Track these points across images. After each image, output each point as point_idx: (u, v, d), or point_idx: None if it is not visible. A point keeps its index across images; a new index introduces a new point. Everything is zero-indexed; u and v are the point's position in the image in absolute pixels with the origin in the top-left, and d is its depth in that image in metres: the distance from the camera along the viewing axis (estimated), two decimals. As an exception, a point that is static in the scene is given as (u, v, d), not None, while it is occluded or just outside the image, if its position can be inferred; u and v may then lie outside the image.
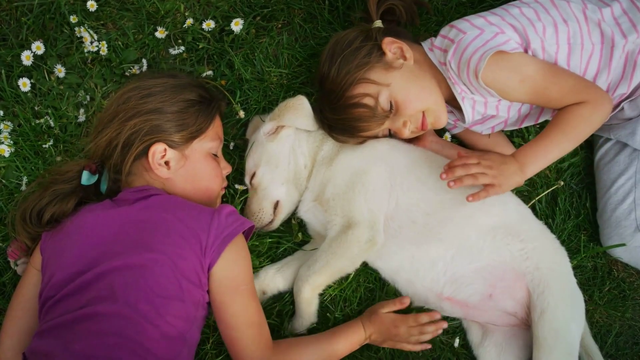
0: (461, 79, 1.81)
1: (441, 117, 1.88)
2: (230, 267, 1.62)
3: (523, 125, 2.01)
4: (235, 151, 2.08)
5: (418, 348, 1.89)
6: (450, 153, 2.01)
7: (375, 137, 1.94)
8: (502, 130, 2.07)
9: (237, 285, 1.63)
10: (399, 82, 1.83)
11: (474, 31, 1.78)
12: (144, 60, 2.09)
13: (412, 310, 1.93)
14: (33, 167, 1.99)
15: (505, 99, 1.82)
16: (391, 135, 1.96)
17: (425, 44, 1.93)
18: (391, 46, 1.85)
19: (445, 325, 1.89)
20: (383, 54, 1.84)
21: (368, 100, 1.82)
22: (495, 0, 2.16)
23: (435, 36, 1.92)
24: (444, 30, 1.89)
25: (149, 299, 1.48)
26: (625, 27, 1.81)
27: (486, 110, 1.90)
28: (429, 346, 1.90)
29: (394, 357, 1.93)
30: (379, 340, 1.86)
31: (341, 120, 1.86)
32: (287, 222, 2.02)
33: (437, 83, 1.88)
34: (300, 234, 1.99)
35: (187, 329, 1.55)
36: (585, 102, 1.71)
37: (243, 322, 1.63)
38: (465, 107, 1.89)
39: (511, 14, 1.83)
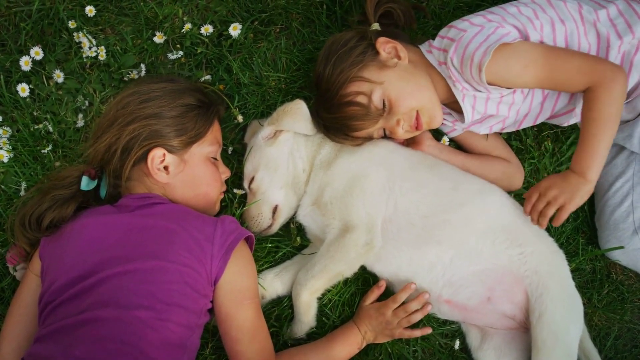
0: (464, 75, 1.81)
1: (436, 116, 1.88)
2: (236, 280, 1.63)
3: (521, 127, 2.02)
4: (234, 155, 2.08)
5: (417, 333, 1.88)
6: (448, 157, 2.01)
7: (370, 137, 1.95)
8: (500, 134, 2.08)
9: (243, 299, 1.64)
10: (392, 81, 1.84)
11: (474, 29, 1.79)
12: (143, 65, 2.09)
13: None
14: (32, 173, 1.99)
15: (511, 87, 1.81)
16: (387, 136, 1.96)
17: (423, 47, 1.94)
18: (385, 45, 1.86)
19: (427, 296, 1.85)
20: (377, 53, 1.85)
21: (361, 99, 1.82)
22: (492, 4, 2.16)
23: (434, 39, 1.92)
24: (442, 31, 1.89)
25: (151, 305, 1.48)
26: (620, 27, 1.82)
27: (486, 109, 1.90)
28: (429, 329, 1.89)
29: (393, 358, 1.93)
30: (374, 336, 1.86)
31: (335, 119, 1.87)
32: (285, 227, 2.02)
33: (434, 83, 1.89)
34: (299, 238, 1.99)
35: (188, 336, 1.55)
36: (597, 84, 1.69)
37: (247, 335, 1.63)
38: (465, 106, 1.89)
39: (510, 13, 1.84)
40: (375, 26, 1.97)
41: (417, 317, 1.86)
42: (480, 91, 1.83)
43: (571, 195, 1.72)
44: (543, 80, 1.76)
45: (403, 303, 1.86)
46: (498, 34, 1.75)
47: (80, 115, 2.05)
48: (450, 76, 1.84)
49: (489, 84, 1.76)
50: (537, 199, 1.77)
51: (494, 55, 1.69)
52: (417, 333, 1.88)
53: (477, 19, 1.84)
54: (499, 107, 1.90)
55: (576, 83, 1.73)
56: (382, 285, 1.91)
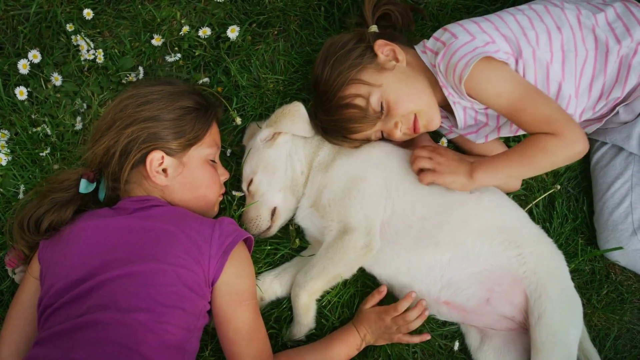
0: (448, 82, 1.82)
1: (433, 119, 1.88)
2: (234, 281, 1.63)
3: (519, 133, 2.02)
4: (232, 158, 2.08)
5: (416, 340, 1.88)
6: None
7: (368, 139, 1.95)
8: (498, 137, 2.08)
9: (241, 300, 1.64)
10: (390, 83, 1.84)
11: (465, 36, 1.79)
12: (141, 68, 2.09)
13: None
14: (30, 176, 1.99)
15: (484, 105, 1.83)
16: (384, 138, 1.96)
17: (418, 47, 1.94)
18: (383, 48, 1.86)
19: (425, 302, 1.85)
20: (375, 55, 1.86)
21: (359, 101, 1.83)
22: (490, 6, 2.17)
23: (428, 39, 1.93)
24: (437, 33, 1.89)
25: (150, 307, 1.48)
26: (619, 31, 1.82)
27: (477, 114, 1.91)
28: (428, 336, 1.89)
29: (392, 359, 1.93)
30: (374, 339, 1.86)
31: (333, 121, 1.87)
32: (284, 228, 2.02)
33: (431, 86, 1.89)
34: (297, 240, 1.99)
35: (187, 338, 1.55)
36: (556, 134, 1.70)
37: (245, 337, 1.63)
38: (457, 110, 1.89)
39: (504, 22, 1.84)
40: (374, 28, 1.97)
41: (417, 324, 1.85)
42: (464, 100, 1.83)
43: (447, 174, 1.80)
44: (509, 112, 1.76)
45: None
46: (486, 49, 1.74)
47: (79, 118, 2.05)
48: (439, 80, 1.85)
49: (468, 95, 1.78)
50: (427, 153, 1.84)
51: (475, 71, 1.70)
52: (416, 339, 1.88)
53: (471, 25, 1.83)
54: (487, 114, 1.91)
55: (536, 127, 1.74)
56: (383, 291, 1.91)
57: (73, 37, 2.07)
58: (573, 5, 1.87)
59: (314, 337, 1.90)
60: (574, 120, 1.74)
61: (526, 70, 1.80)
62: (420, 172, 1.85)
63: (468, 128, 1.98)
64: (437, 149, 1.87)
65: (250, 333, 1.64)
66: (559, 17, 1.84)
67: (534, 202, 2.09)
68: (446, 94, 1.85)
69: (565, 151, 1.71)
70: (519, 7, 1.91)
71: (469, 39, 1.78)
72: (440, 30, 1.89)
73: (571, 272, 1.91)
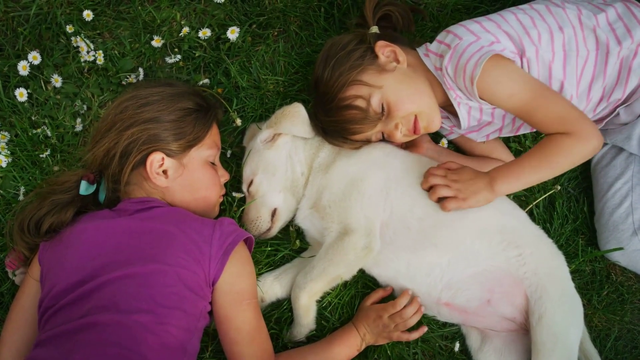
0: (457, 84, 1.81)
1: (434, 120, 1.88)
2: (234, 281, 1.63)
3: (519, 133, 2.02)
4: (233, 159, 2.08)
5: (415, 335, 1.88)
6: (447, 159, 2.01)
7: (369, 140, 1.94)
8: (499, 137, 2.08)
9: (242, 300, 1.64)
10: (391, 85, 1.83)
11: (469, 37, 1.79)
12: (141, 69, 2.09)
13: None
14: (30, 177, 1.99)
15: (496, 106, 1.83)
16: (385, 139, 1.96)
17: (420, 50, 1.94)
18: (384, 49, 1.86)
19: (418, 299, 1.86)
20: (376, 56, 1.85)
21: (360, 102, 1.82)
22: (490, 6, 2.17)
23: (431, 42, 1.92)
24: (440, 36, 1.89)
25: (151, 308, 1.48)
26: (620, 32, 1.82)
27: (482, 116, 1.91)
28: (425, 328, 1.90)
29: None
30: (373, 339, 1.86)
31: (334, 122, 1.86)
32: (284, 230, 2.02)
33: (432, 87, 1.89)
34: (298, 241, 1.99)
35: (188, 339, 1.55)
36: (570, 133, 1.69)
37: (246, 336, 1.63)
38: (461, 112, 1.89)
39: (507, 21, 1.84)
40: (374, 29, 1.96)
41: (414, 320, 1.86)
42: (472, 100, 1.83)
43: (470, 196, 1.76)
44: (522, 112, 1.76)
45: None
46: (493, 49, 1.74)
47: (79, 120, 2.05)
48: (445, 82, 1.84)
49: (480, 97, 1.77)
50: (440, 175, 1.80)
51: (485, 71, 1.70)
52: (415, 335, 1.88)
53: (474, 25, 1.83)
54: (494, 114, 1.90)
55: (550, 126, 1.73)
56: (389, 290, 1.92)
57: (73, 38, 2.06)
58: (574, 6, 1.87)
59: (314, 338, 1.90)
60: (586, 116, 1.74)
61: (530, 69, 1.80)
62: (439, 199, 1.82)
63: (470, 127, 1.98)
64: (449, 169, 1.83)
65: (252, 333, 1.64)
66: (560, 17, 1.84)
67: (534, 203, 2.09)
68: (453, 96, 1.85)
69: (582, 149, 1.71)
70: (520, 6, 1.91)
71: (473, 39, 1.78)
72: (443, 33, 1.89)
73: (572, 272, 1.91)
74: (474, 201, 1.76)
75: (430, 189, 1.82)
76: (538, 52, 1.79)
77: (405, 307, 1.85)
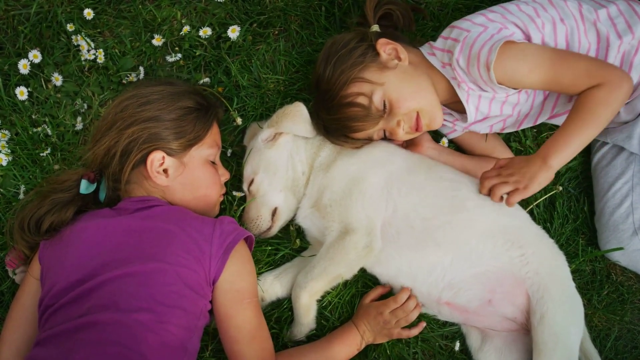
0: (471, 75, 1.80)
1: (436, 117, 1.88)
2: (235, 279, 1.63)
3: (521, 127, 2.02)
4: (233, 158, 2.08)
5: (415, 332, 1.89)
6: (447, 158, 2.02)
7: (370, 139, 1.94)
8: (499, 134, 2.08)
9: (242, 298, 1.64)
10: (393, 82, 1.84)
11: (477, 28, 1.79)
12: (141, 68, 2.09)
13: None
14: (31, 176, 1.99)
15: (518, 87, 1.82)
16: (386, 138, 1.96)
17: (424, 49, 1.94)
18: (385, 47, 1.86)
19: (414, 295, 1.88)
20: (378, 54, 1.85)
21: (362, 100, 1.82)
22: (491, 6, 2.16)
23: (434, 40, 1.92)
24: (444, 32, 1.90)
25: (150, 307, 1.48)
26: (620, 27, 1.82)
27: (490, 110, 1.90)
28: (424, 324, 1.91)
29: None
30: (373, 337, 1.86)
31: (336, 120, 1.86)
32: (285, 229, 2.02)
33: (434, 84, 1.89)
34: (298, 241, 1.98)
35: (188, 338, 1.55)
36: (601, 84, 1.69)
37: (246, 335, 1.63)
38: (469, 107, 1.89)
39: (510, 12, 1.84)
40: (375, 28, 1.97)
41: (415, 315, 1.87)
42: (486, 91, 1.83)
43: (529, 181, 1.74)
44: (549, 83, 1.76)
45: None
46: (502, 34, 1.75)
47: (79, 118, 2.05)
48: (455, 77, 1.84)
49: (499, 83, 1.76)
50: (494, 175, 1.80)
51: (500, 55, 1.70)
52: (415, 332, 1.89)
53: (478, 18, 1.84)
54: (502, 108, 1.90)
55: (581, 84, 1.72)
56: (388, 287, 1.93)
57: (73, 37, 2.06)
58: (575, 0, 1.88)
59: (314, 337, 1.90)
60: (610, 63, 1.75)
61: None
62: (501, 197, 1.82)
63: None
64: (498, 164, 1.83)
65: (252, 331, 1.64)
66: (562, 9, 1.84)
67: (535, 203, 2.09)
68: (465, 88, 1.85)
69: (618, 95, 1.70)
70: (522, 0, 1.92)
71: (481, 29, 1.78)
72: (447, 29, 1.89)
73: (572, 272, 1.91)
74: (536, 185, 1.75)
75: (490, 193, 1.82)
76: (544, 39, 1.80)
77: (405, 301, 1.86)
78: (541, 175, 1.74)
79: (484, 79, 1.77)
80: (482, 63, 1.73)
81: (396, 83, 1.84)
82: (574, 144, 1.73)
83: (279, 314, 1.92)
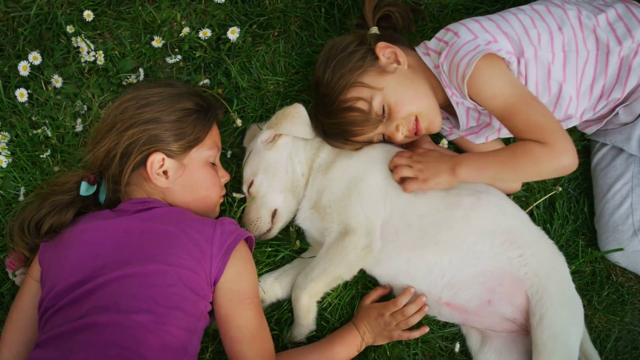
0: (452, 82, 1.81)
1: (435, 121, 1.88)
2: (236, 280, 1.63)
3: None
4: (233, 159, 2.08)
5: (416, 334, 1.89)
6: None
7: (370, 141, 1.95)
8: (499, 137, 2.08)
9: (243, 299, 1.64)
10: (392, 86, 1.83)
11: (468, 35, 1.79)
12: (141, 70, 2.09)
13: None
14: (31, 178, 1.99)
15: (482, 106, 1.81)
16: (385, 140, 1.96)
17: (420, 48, 1.94)
18: (385, 51, 1.86)
19: (424, 298, 1.86)
20: (377, 58, 1.85)
21: (361, 104, 1.82)
22: (491, 7, 2.17)
23: (429, 40, 1.92)
24: (439, 34, 1.89)
25: (151, 309, 1.48)
26: (620, 32, 1.82)
27: (480, 116, 1.91)
28: (426, 328, 1.90)
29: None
30: (373, 338, 1.86)
31: (335, 124, 1.86)
32: (285, 230, 2.02)
33: (432, 88, 1.89)
34: (298, 242, 1.99)
35: (189, 340, 1.54)
36: (545, 143, 1.66)
37: (247, 335, 1.63)
38: (460, 111, 1.89)
39: (507, 21, 1.83)
40: (374, 30, 1.97)
41: (415, 319, 1.86)
42: (466, 99, 1.83)
43: (431, 177, 1.79)
44: (503, 115, 1.74)
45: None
46: (489, 48, 1.73)
47: (79, 120, 2.05)
48: (442, 80, 1.84)
49: (470, 97, 1.77)
50: (405, 157, 1.85)
51: (476, 70, 1.69)
52: (416, 334, 1.89)
53: (473, 24, 1.83)
54: (492, 116, 1.90)
55: (529, 133, 1.69)
56: (389, 288, 1.93)
57: (73, 38, 2.06)
58: (574, 6, 1.87)
59: (314, 338, 1.90)
60: (567, 134, 1.70)
61: (528, 70, 1.80)
62: (402, 180, 1.85)
63: (469, 129, 1.98)
64: (415, 153, 1.87)
65: (253, 331, 1.64)
66: (560, 18, 1.84)
67: (535, 204, 2.09)
68: (449, 94, 1.85)
69: (552, 162, 1.67)
70: (521, 7, 1.91)
71: (471, 37, 1.77)
72: (442, 31, 1.89)
73: (572, 273, 1.91)
74: (434, 183, 1.79)
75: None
76: (537, 53, 1.79)
77: (406, 305, 1.85)
78: (444, 177, 1.79)
79: (460, 89, 1.77)
80: (460, 74, 1.73)
81: (395, 87, 1.84)
82: (486, 173, 1.77)
83: (279, 316, 1.92)
